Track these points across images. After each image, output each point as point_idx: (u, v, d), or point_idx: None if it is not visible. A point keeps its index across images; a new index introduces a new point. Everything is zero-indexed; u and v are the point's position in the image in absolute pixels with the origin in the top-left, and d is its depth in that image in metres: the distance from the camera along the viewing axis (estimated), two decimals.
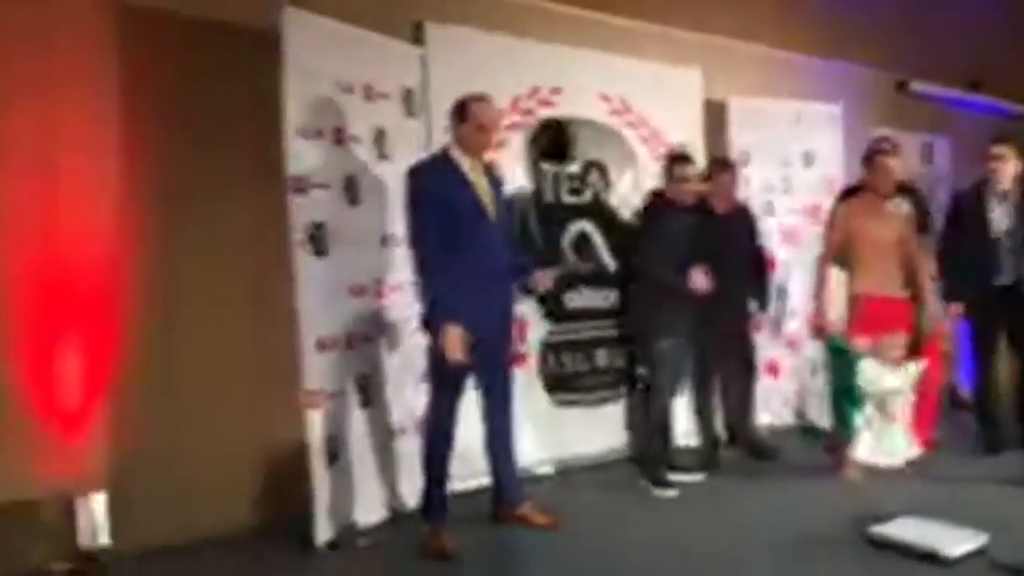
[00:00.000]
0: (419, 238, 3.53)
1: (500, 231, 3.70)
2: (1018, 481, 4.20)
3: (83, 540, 3.30)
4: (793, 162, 5.79)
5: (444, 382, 3.61)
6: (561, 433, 4.75)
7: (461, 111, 3.66)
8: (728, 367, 4.89)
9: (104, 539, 3.32)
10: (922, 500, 3.88)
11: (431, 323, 3.55)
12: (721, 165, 4.92)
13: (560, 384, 4.83)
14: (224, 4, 3.71)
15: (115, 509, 3.37)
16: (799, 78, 6.04)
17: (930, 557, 3.25)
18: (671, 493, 4.32)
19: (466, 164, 3.64)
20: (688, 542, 3.64)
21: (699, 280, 4.22)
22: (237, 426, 3.77)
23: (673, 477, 4.44)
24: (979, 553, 3.29)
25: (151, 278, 3.56)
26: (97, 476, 3.40)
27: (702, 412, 4.83)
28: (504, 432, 3.85)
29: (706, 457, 4.77)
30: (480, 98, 3.68)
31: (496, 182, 3.80)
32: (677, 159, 4.50)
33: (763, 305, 5.02)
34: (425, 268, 3.53)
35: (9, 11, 3.25)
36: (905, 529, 3.48)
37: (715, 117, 5.49)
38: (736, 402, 4.98)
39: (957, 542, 3.31)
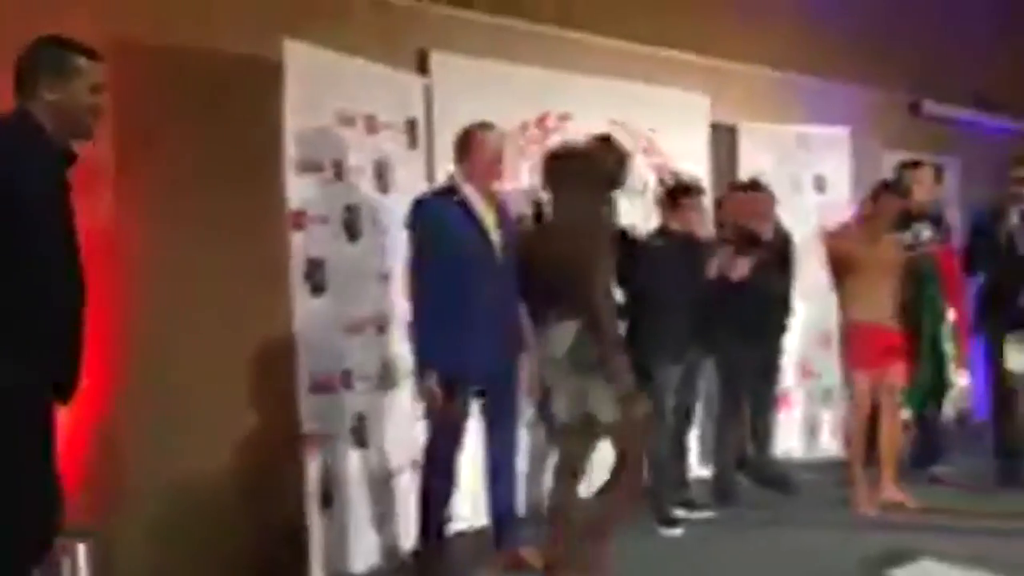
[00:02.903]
0: (412, 275, 3.51)
1: (507, 268, 3.54)
2: None
3: None
4: (804, 187, 5.68)
5: (438, 423, 3.51)
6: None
7: (464, 141, 3.59)
8: (759, 395, 4.83)
9: None
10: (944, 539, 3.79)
11: (416, 363, 3.50)
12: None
13: None
14: (221, 33, 3.57)
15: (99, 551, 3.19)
16: (808, 101, 5.91)
17: None
18: (676, 532, 4.18)
19: (473, 197, 3.55)
20: None
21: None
22: (229, 473, 3.63)
23: (682, 514, 4.31)
24: None
25: (142, 309, 3.40)
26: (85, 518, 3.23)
27: (723, 441, 4.71)
28: (501, 473, 3.72)
29: (724, 489, 4.65)
30: (484, 127, 3.60)
31: (506, 216, 3.69)
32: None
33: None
34: (414, 308, 3.49)
35: None
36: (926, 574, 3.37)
37: (724, 143, 5.42)
38: (760, 431, 4.88)
39: None
